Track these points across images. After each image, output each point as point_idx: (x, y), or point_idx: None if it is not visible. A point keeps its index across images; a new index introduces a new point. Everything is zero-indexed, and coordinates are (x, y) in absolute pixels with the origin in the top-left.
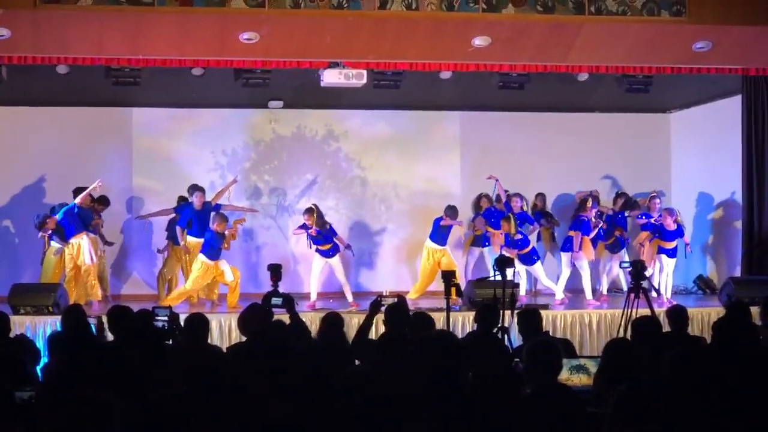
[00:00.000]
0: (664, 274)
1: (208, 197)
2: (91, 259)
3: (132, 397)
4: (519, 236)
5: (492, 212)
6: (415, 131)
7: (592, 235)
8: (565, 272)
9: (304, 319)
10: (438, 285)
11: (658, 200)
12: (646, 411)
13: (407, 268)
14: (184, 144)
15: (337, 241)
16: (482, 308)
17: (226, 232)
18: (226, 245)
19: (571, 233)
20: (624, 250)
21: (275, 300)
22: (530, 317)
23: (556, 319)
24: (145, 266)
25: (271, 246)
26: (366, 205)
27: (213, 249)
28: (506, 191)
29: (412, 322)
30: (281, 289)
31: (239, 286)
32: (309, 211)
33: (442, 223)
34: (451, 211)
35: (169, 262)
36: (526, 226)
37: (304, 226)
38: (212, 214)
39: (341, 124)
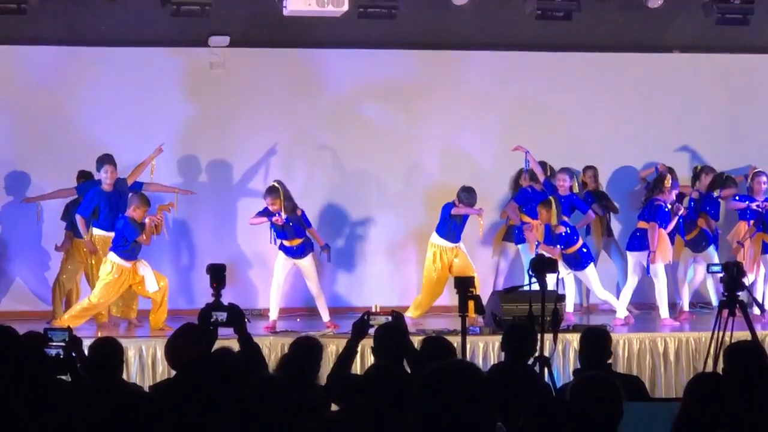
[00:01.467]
0: None
1: (124, 173)
2: None
3: None
4: (563, 228)
5: (527, 194)
6: (416, 80)
7: (671, 227)
8: (632, 280)
9: (261, 346)
10: (449, 297)
11: (763, 178)
12: None
13: (405, 275)
14: (88, 97)
15: (310, 236)
16: (512, 330)
17: (147, 221)
18: (145, 239)
19: (643, 225)
20: (712, 249)
21: (217, 315)
22: (595, 342)
23: (618, 347)
24: (33, 270)
25: (214, 243)
26: (348, 186)
27: (128, 244)
28: (546, 165)
29: (415, 350)
30: (226, 299)
31: (167, 300)
32: (272, 191)
33: (453, 211)
34: (467, 194)
35: (68, 265)
36: (577, 216)
37: (265, 212)
38: (129, 195)
39: (313, 71)
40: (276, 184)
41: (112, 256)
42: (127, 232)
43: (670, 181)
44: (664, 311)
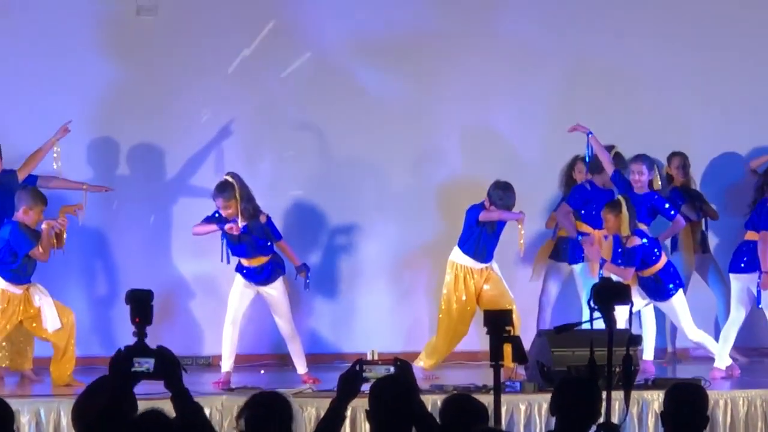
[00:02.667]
0: None
1: (14, 164)
2: None
3: None
4: (639, 241)
5: (585, 193)
6: (430, 32)
7: None
8: (737, 314)
9: (207, 409)
10: (478, 340)
11: None
12: None
13: (415, 308)
14: None
15: (280, 252)
16: (567, 386)
17: (44, 226)
18: (41, 252)
19: (752, 236)
20: None
21: (141, 363)
22: (685, 403)
23: (718, 410)
24: None
25: (142, 263)
26: (334, 183)
27: (17, 260)
28: (614, 150)
29: (429, 415)
30: (155, 341)
31: (74, 343)
32: (224, 188)
33: (482, 216)
34: (503, 192)
35: None
36: (659, 223)
37: (215, 218)
38: (18, 192)
39: (284, 18)
40: (230, 179)
41: None
42: (15, 242)
43: None
44: None
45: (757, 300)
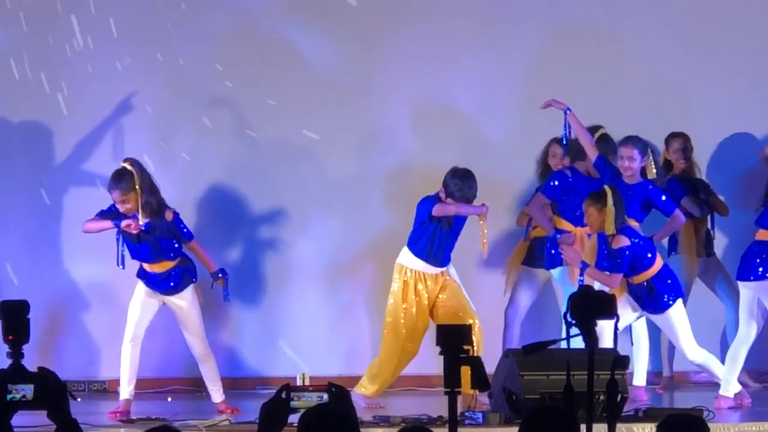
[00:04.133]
0: None
1: None
2: None
3: None
4: (628, 241)
5: (565, 181)
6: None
7: None
8: (746, 330)
9: None
10: (432, 361)
11: None
12: None
13: (354, 322)
14: None
15: (191, 255)
16: (537, 419)
17: None
18: None
19: (763, 235)
20: None
21: (18, 389)
22: None
23: None
24: None
25: (21, 267)
26: (259, 169)
27: None
28: (599, 132)
29: None
30: (36, 363)
31: None
32: (121, 177)
33: (436, 210)
34: (460, 181)
35: None
36: (654, 218)
37: (110, 213)
38: None
39: None
40: (128, 167)
41: None
42: None
43: None
44: None
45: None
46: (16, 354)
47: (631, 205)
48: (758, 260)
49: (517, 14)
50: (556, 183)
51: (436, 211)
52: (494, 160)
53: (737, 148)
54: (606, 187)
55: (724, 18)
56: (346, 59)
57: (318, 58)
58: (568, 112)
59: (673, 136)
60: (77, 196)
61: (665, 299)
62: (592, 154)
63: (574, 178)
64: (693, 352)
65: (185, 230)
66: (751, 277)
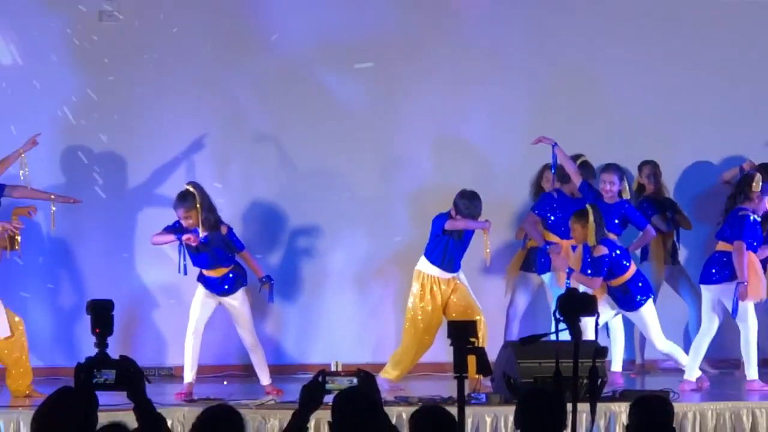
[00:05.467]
0: None
1: None
2: None
3: None
4: (605, 250)
5: (552, 202)
6: (398, 37)
7: (767, 251)
8: (707, 326)
9: (170, 420)
10: (443, 351)
11: None
12: None
13: (380, 318)
14: None
15: (243, 263)
16: (532, 399)
17: None
18: None
19: (723, 246)
20: None
21: (102, 374)
22: (653, 415)
23: (687, 422)
24: None
25: (107, 272)
26: (299, 191)
27: None
28: (580, 160)
29: (393, 427)
30: (119, 351)
31: (27, 353)
32: (185, 198)
33: (449, 225)
34: (468, 201)
35: None
36: (630, 232)
37: (174, 228)
38: None
39: (248, 22)
40: (191, 189)
41: None
42: None
43: (760, 184)
44: (752, 371)
45: (733, 311)
46: (102, 344)
47: (610, 221)
48: (718, 267)
49: (518, 65)
50: (546, 203)
51: (448, 225)
52: (497, 184)
53: (699, 172)
54: (588, 206)
55: (687, 63)
56: (371, 97)
57: (347, 97)
58: (555, 146)
59: (644, 164)
60: (148, 215)
61: (638, 299)
62: (576, 179)
63: (560, 199)
64: (661, 343)
65: (237, 242)
66: (713, 281)
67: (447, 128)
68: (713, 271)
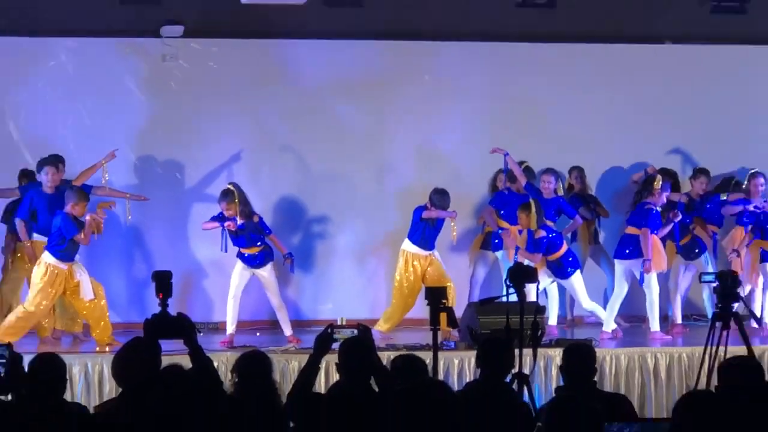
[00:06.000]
0: None
1: (71, 175)
2: None
3: None
4: (544, 233)
5: (504, 197)
6: (387, 74)
7: (664, 232)
8: (620, 290)
9: (215, 362)
10: (421, 310)
11: (761, 179)
12: None
13: (375, 285)
14: (31, 91)
15: (270, 243)
16: (488, 345)
17: (87, 218)
18: (83, 237)
19: (632, 230)
20: (706, 256)
21: (164, 328)
22: (579, 358)
23: (605, 363)
24: None
25: (169, 251)
26: (312, 189)
27: (65, 243)
28: (524, 165)
29: (383, 367)
30: (174, 310)
31: (107, 311)
32: (227, 194)
33: (425, 214)
34: (440, 196)
35: (11, 273)
36: (563, 220)
37: (218, 217)
38: (67, 191)
39: (275, 63)
40: (231, 187)
41: (47, 256)
42: (65, 228)
43: (660, 183)
44: (655, 324)
45: (640, 280)
46: (164, 305)
47: (548, 211)
48: (630, 247)
49: (479, 90)
50: (499, 198)
51: (425, 215)
52: (462, 183)
53: (614, 175)
54: (531, 200)
55: (606, 91)
56: (367, 119)
57: (349, 119)
58: (506, 155)
59: (573, 168)
60: (199, 207)
61: (569, 270)
62: (522, 180)
63: (509, 195)
64: (586, 303)
65: (266, 227)
66: (626, 257)
67: (425, 142)
68: (626, 250)
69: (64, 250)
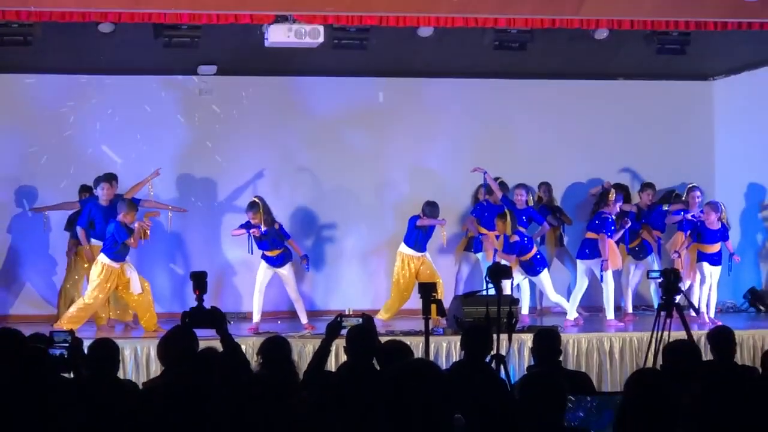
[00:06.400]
0: (706, 286)
1: (123, 190)
2: None
3: None
4: (517, 238)
5: (483, 208)
6: (386, 104)
7: (617, 236)
8: (581, 285)
9: (243, 346)
10: (415, 302)
11: (698, 192)
12: None
13: (377, 281)
14: (89, 120)
15: (289, 247)
16: (471, 331)
17: (136, 225)
18: (133, 242)
19: (591, 235)
20: (652, 257)
21: (200, 319)
22: (547, 341)
23: (569, 346)
24: (41, 276)
25: (204, 253)
26: (324, 201)
27: (117, 246)
28: (499, 180)
29: (382, 350)
30: (216, 303)
31: (152, 303)
32: (253, 206)
33: (419, 222)
34: (431, 207)
35: (73, 274)
36: (533, 227)
37: (246, 225)
38: (119, 203)
39: (292, 97)
40: (257, 200)
41: (102, 258)
42: (117, 234)
43: (614, 195)
44: (610, 313)
45: (600, 278)
46: (200, 300)
47: (520, 219)
48: (588, 249)
49: (462, 118)
50: (479, 209)
51: (419, 223)
52: (449, 196)
53: (576, 189)
54: (506, 210)
55: (569, 119)
56: (370, 142)
57: (355, 140)
58: (485, 173)
59: (542, 184)
60: (229, 217)
61: (538, 269)
62: (498, 194)
63: (488, 206)
64: (552, 296)
65: (286, 233)
66: (586, 257)
67: (417, 161)
68: (586, 251)
69: (116, 252)
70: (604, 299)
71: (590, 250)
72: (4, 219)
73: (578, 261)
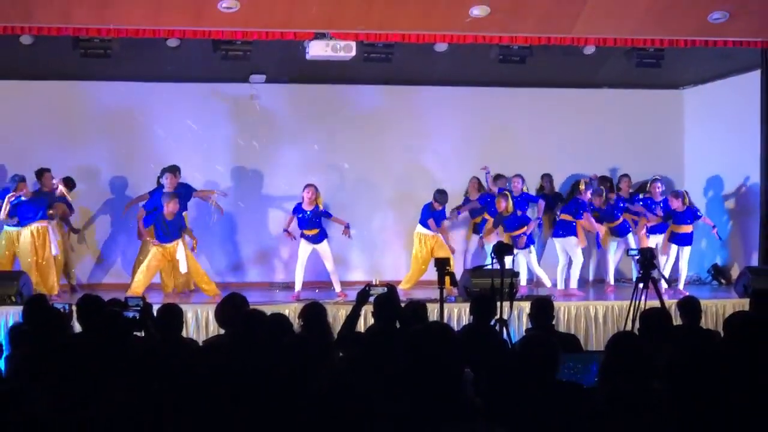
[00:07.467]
0: (681, 261)
1: (189, 180)
2: (57, 249)
3: (97, 393)
4: (519, 212)
5: (485, 197)
6: (407, 108)
7: (584, 222)
8: (563, 261)
9: (286, 311)
10: (432, 274)
11: (658, 184)
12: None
13: (398, 257)
14: (159, 121)
15: (331, 223)
16: (478, 299)
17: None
18: (168, 212)
19: (566, 217)
20: (631, 236)
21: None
22: (541, 308)
23: (560, 312)
24: (130, 253)
25: (255, 232)
26: (353, 189)
27: (158, 230)
28: (495, 173)
29: (404, 313)
30: (262, 275)
31: (205, 276)
32: (310, 186)
33: (429, 208)
34: (441, 195)
35: (144, 249)
36: (531, 206)
37: (295, 209)
38: (162, 194)
39: (328, 101)
40: (312, 184)
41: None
42: (145, 219)
43: (584, 186)
44: (573, 283)
45: (570, 254)
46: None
47: (522, 203)
48: (562, 228)
49: (462, 120)
50: (481, 199)
51: (430, 209)
52: (461, 186)
53: (570, 181)
54: (506, 191)
55: (566, 122)
56: (393, 138)
57: (377, 140)
58: (487, 173)
59: (544, 175)
60: (276, 201)
61: (526, 243)
62: (494, 188)
63: (488, 195)
64: (536, 269)
65: (328, 213)
66: (560, 236)
67: (434, 158)
68: (560, 231)
69: (164, 235)
70: (570, 271)
71: (564, 230)
72: (101, 206)
73: (555, 240)
